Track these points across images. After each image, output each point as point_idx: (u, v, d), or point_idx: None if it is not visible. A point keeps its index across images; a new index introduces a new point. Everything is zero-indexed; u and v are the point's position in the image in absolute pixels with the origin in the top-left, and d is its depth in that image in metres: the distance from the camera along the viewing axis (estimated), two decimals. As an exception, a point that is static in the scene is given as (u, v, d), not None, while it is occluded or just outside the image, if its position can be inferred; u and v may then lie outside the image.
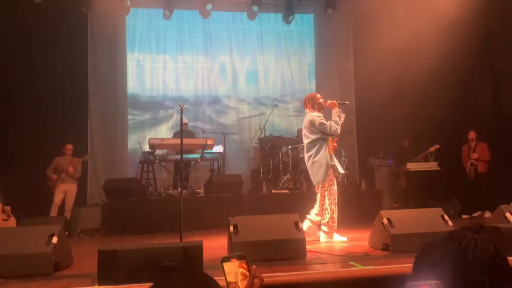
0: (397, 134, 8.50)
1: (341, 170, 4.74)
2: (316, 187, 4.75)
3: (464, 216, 7.02)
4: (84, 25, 8.93)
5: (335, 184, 4.65)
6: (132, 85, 9.28)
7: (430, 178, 7.59)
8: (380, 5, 8.18)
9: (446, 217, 3.97)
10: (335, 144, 4.82)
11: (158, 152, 7.63)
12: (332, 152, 4.70)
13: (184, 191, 6.88)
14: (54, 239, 3.27)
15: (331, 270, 3.18)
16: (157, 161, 7.23)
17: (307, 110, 4.88)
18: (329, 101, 4.76)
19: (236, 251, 3.52)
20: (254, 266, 1.39)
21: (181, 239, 4.09)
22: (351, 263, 3.35)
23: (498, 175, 6.99)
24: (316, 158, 4.61)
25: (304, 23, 10.03)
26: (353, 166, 9.12)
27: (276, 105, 8.51)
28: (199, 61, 9.55)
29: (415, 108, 7.94)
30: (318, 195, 4.71)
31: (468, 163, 7.27)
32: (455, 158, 7.60)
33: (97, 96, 8.93)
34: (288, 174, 7.64)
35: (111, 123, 8.99)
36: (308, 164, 4.73)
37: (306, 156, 4.79)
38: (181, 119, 4.58)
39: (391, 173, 8.44)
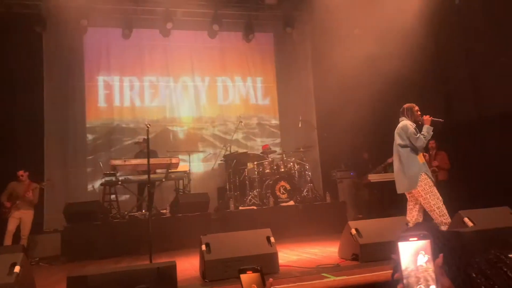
0: (357, 147, 8.80)
1: (433, 179, 4.57)
2: (407, 194, 4.65)
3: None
4: (39, 45, 8.66)
5: (434, 187, 4.50)
6: (91, 106, 9.05)
7: (391, 188, 7.86)
8: (337, 23, 8.53)
9: (410, 224, 4.14)
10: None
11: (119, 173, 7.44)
12: (424, 161, 4.62)
13: (149, 213, 6.74)
14: (17, 268, 3.09)
15: (306, 283, 3.21)
16: (120, 183, 7.04)
17: (403, 118, 4.78)
18: (424, 116, 4.68)
19: (210, 269, 3.49)
20: (270, 279, 1.43)
21: (151, 261, 3.98)
22: (324, 274, 3.40)
23: (456, 183, 7.35)
24: (408, 166, 4.53)
25: (264, 41, 10.25)
26: (317, 179, 9.31)
27: (241, 122, 8.58)
28: (160, 80, 9.50)
29: (374, 121, 8.26)
30: (409, 204, 4.65)
31: (430, 170, 7.59)
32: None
33: (53, 118, 8.63)
34: (255, 190, 7.67)
35: (69, 146, 8.71)
36: (396, 170, 4.66)
37: (395, 161, 4.72)
38: (148, 139, 4.52)
39: (353, 185, 8.68)
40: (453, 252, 1.14)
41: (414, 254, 1.06)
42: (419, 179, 4.45)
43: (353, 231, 3.96)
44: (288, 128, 9.76)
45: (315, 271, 3.59)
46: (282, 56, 10.21)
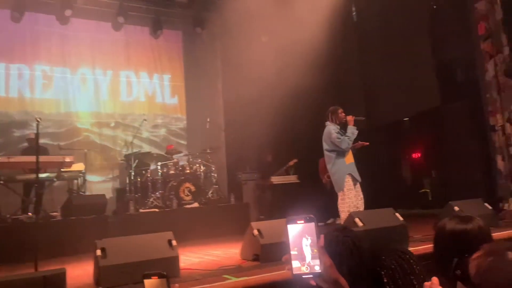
0: (262, 149, 9.03)
1: (358, 178, 4.99)
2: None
3: (319, 224, 7.75)
4: None
5: (353, 191, 4.93)
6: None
7: (292, 190, 8.23)
8: (245, 28, 8.69)
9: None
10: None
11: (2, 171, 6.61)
12: (352, 161, 5.01)
13: (37, 215, 6.10)
14: None
15: (207, 285, 3.18)
16: (2, 182, 6.25)
17: (327, 122, 5.12)
18: (347, 117, 5.05)
19: (105, 275, 3.26)
20: (176, 284, 1.37)
21: (36, 269, 3.59)
22: (225, 276, 3.40)
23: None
24: (334, 169, 4.95)
25: (172, 39, 10.00)
26: (222, 181, 9.33)
27: (145, 120, 8.23)
28: (55, 70, 8.69)
29: (278, 125, 8.57)
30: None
31: (326, 175, 8.11)
32: (312, 171, 8.41)
33: None
34: (158, 192, 7.41)
35: None
36: (330, 174, 5.07)
37: (327, 165, 5.12)
38: (37, 134, 4.07)
39: (257, 186, 8.89)
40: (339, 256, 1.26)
41: (300, 237, 1.14)
42: (345, 180, 4.91)
43: (255, 232, 4.03)
44: (195, 128, 9.63)
45: (217, 273, 3.57)
46: (191, 55, 10.05)
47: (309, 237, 1.15)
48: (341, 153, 4.97)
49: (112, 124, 9.06)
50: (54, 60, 8.66)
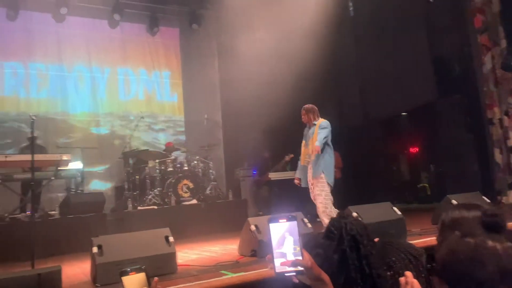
0: (260, 146, 9.02)
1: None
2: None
3: (318, 220, 7.75)
4: None
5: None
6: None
7: (289, 185, 8.21)
8: (242, 24, 8.67)
9: (305, 220, 4.37)
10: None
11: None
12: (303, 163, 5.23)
13: (35, 214, 6.09)
14: None
15: (204, 281, 3.18)
16: (-1, 181, 6.23)
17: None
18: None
19: (102, 273, 3.26)
20: (155, 278, 1.34)
21: (33, 267, 3.58)
22: (222, 272, 3.39)
23: (346, 180, 7.97)
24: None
25: (169, 36, 9.97)
26: (220, 177, 9.34)
27: (142, 118, 8.21)
28: (50, 68, 8.65)
29: (275, 121, 8.56)
30: None
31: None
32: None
33: None
34: (156, 189, 7.41)
35: None
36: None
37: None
38: (32, 132, 4.06)
39: (254, 182, 8.89)
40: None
41: (282, 235, 1.15)
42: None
43: (252, 228, 4.03)
44: (193, 126, 9.61)
45: (214, 269, 3.57)
46: (188, 52, 10.02)
47: (291, 236, 1.16)
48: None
49: (110, 123, 9.04)
50: (49, 57, 8.63)
